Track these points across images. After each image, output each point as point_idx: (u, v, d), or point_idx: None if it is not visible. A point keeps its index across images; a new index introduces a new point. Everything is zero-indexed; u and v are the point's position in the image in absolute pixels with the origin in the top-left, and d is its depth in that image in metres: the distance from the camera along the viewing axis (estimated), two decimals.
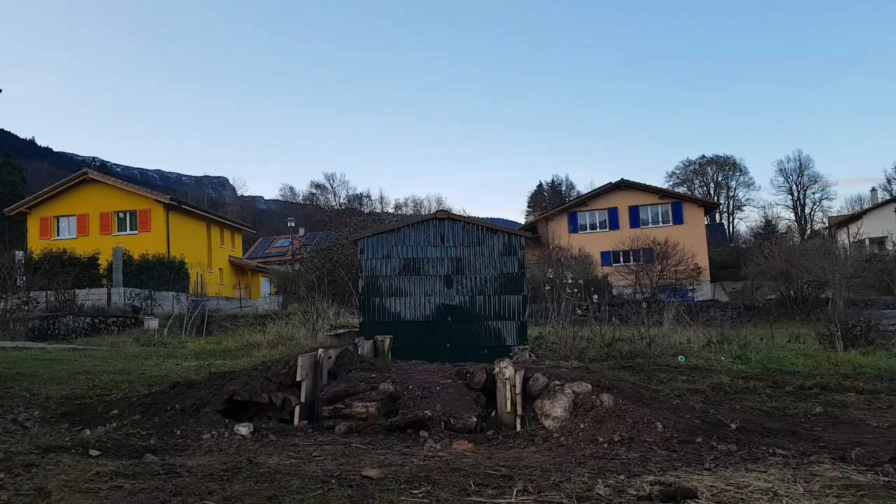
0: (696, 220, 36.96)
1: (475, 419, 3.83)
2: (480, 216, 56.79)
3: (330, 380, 4.43)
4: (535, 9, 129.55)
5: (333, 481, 2.57)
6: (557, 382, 3.98)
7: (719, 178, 67.57)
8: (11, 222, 34.81)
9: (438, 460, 3.05)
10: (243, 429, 3.71)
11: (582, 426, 3.62)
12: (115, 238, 29.87)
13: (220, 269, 36.54)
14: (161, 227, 31.51)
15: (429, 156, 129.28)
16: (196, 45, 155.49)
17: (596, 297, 12.69)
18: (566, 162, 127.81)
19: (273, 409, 4.12)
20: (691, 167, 67.65)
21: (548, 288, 12.15)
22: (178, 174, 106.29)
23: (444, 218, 9.43)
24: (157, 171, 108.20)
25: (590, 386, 3.90)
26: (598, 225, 37.82)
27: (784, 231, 54.30)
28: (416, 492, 2.45)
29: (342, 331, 10.46)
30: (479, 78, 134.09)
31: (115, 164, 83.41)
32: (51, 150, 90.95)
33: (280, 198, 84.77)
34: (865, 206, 47.45)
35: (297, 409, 4.08)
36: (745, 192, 67.31)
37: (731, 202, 67.38)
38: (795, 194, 63.22)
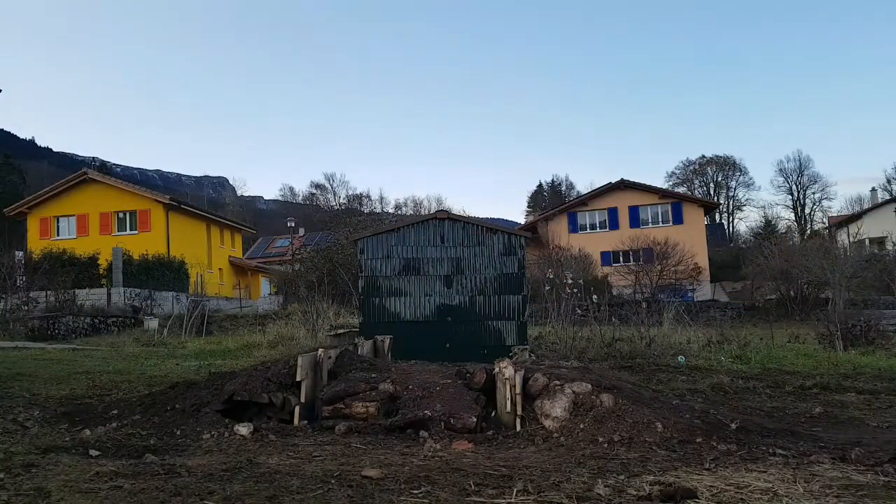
0: (695, 220, 36.97)
1: (475, 419, 3.82)
2: (480, 216, 56.76)
3: (330, 380, 4.43)
4: (536, 8, 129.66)
5: (333, 481, 2.57)
6: (557, 382, 3.98)
7: (719, 178, 67.59)
8: (11, 222, 34.81)
9: (438, 460, 3.05)
10: (243, 429, 3.71)
11: (582, 426, 3.61)
12: (115, 238, 29.87)
13: (219, 269, 36.56)
14: (161, 227, 31.51)
15: (429, 156, 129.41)
16: (196, 45, 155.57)
17: (596, 297, 12.69)
18: (566, 162, 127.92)
19: (273, 409, 4.12)
20: (691, 167, 67.66)
21: (548, 288, 12.14)
22: (178, 174, 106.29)
23: (444, 218, 9.43)
24: (157, 171, 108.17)
25: (590, 386, 3.89)
26: (597, 225, 37.83)
27: (784, 231, 54.28)
28: (416, 492, 2.45)
29: (342, 331, 10.46)
30: (480, 78, 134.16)
31: (115, 164, 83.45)
32: (51, 150, 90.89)
33: (280, 198, 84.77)
34: (865, 206, 47.46)
35: (297, 409, 4.08)
36: (745, 192, 67.32)
37: (731, 202, 67.41)
38: (795, 194, 63.26)
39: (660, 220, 36.79)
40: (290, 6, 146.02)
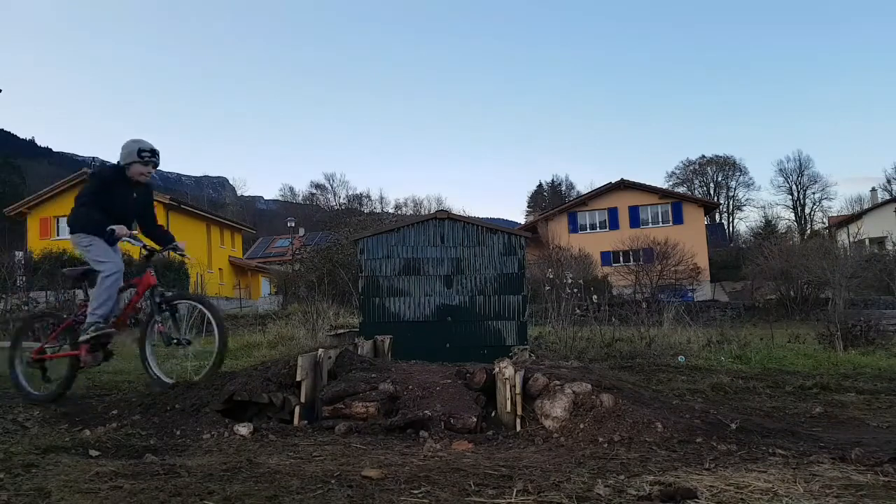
0: (695, 220, 37.01)
1: (475, 419, 3.82)
2: (480, 216, 56.77)
3: (330, 380, 4.44)
4: (535, 8, 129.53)
5: (333, 481, 2.57)
6: (557, 382, 3.98)
7: (719, 178, 67.69)
8: (11, 222, 34.84)
9: (438, 460, 3.05)
10: (243, 429, 3.71)
11: (582, 426, 3.61)
12: None
13: (219, 269, 36.58)
14: None
15: (429, 156, 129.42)
16: (195, 45, 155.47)
17: (596, 297, 12.69)
18: (566, 162, 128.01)
19: (273, 409, 4.12)
20: (691, 167, 67.78)
21: (548, 288, 12.15)
22: (178, 174, 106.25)
23: (444, 218, 9.43)
24: (157, 171, 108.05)
25: (590, 386, 3.89)
26: (598, 225, 37.86)
27: (784, 231, 54.30)
28: (416, 492, 2.45)
29: (342, 331, 10.46)
30: (479, 78, 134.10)
31: None
32: (51, 150, 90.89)
33: (280, 198, 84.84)
34: (865, 206, 47.51)
35: (297, 409, 4.08)
36: (745, 192, 67.43)
37: (731, 202, 67.48)
38: (795, 194, 63.35)
39: (660, 220, 36.82)
40: (290, 6, 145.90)
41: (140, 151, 5.09)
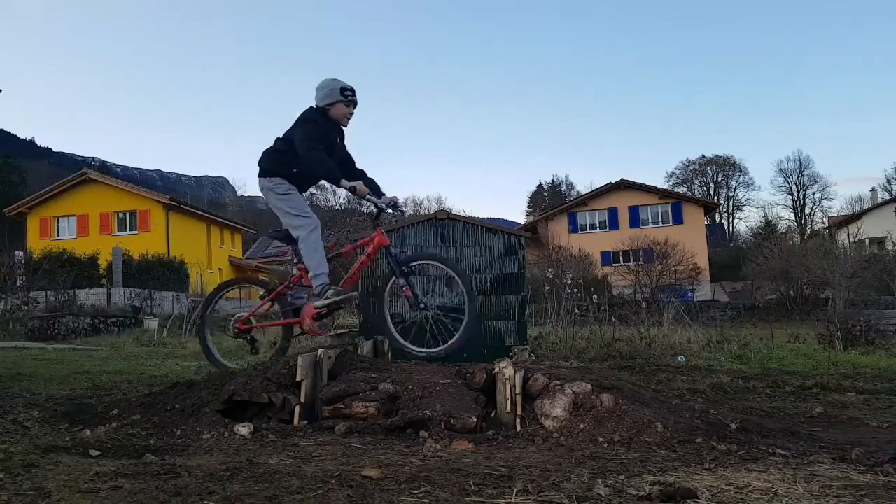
0: (695, 220, 37.00)
1: (475, 419, 3.82)
2: (480, 216, 56.73)
3: (330, 380, 4.43)
4: (535, 8, 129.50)
5: (333, 481, 2.57)
6: (557, 382, 3.98)
7: (719, 178, 67.73)
8: (11, 222, 34.83)
9: (438, 460, 3.05)
10: (243, 429, 3.71)
11: (582, 426, 3.61)
12: (115, 238, 29.91)
13: (219, 269, 36.56)
14: (161, 227, 31.56)
15: (429, 156, 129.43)
16: (195, 45, 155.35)
17: (596, 297, 12.69)
18: (566, 162, 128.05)
19: (273, 409, 4.12)
20: (691, 167, 67.81)
21: (548, 288, 12.15)
22: (178, 174, 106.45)
23: (444, 218, 9.42)
24: (157, 171, 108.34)
25: (590, 386, 3.89)
26: (597, 225, 37.85)
27: (784, 231, 54.32)
28: (415, 492, 2.45)
29: (342, 331, 10.44)
30: (479, 78, 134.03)
31: (115, 164, 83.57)
32: (51, 150, 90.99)
33: None
34: (865, 206, 47.53)
35: (297, 409, 4.08)
36: (745, 192, 67.48)
37: (731, 202, 67.52)
38: (795, 194, 63.38)
39: (660, 220, 36.81)
40: (290, 6, 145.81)
41: (343, 90, 4.51)
